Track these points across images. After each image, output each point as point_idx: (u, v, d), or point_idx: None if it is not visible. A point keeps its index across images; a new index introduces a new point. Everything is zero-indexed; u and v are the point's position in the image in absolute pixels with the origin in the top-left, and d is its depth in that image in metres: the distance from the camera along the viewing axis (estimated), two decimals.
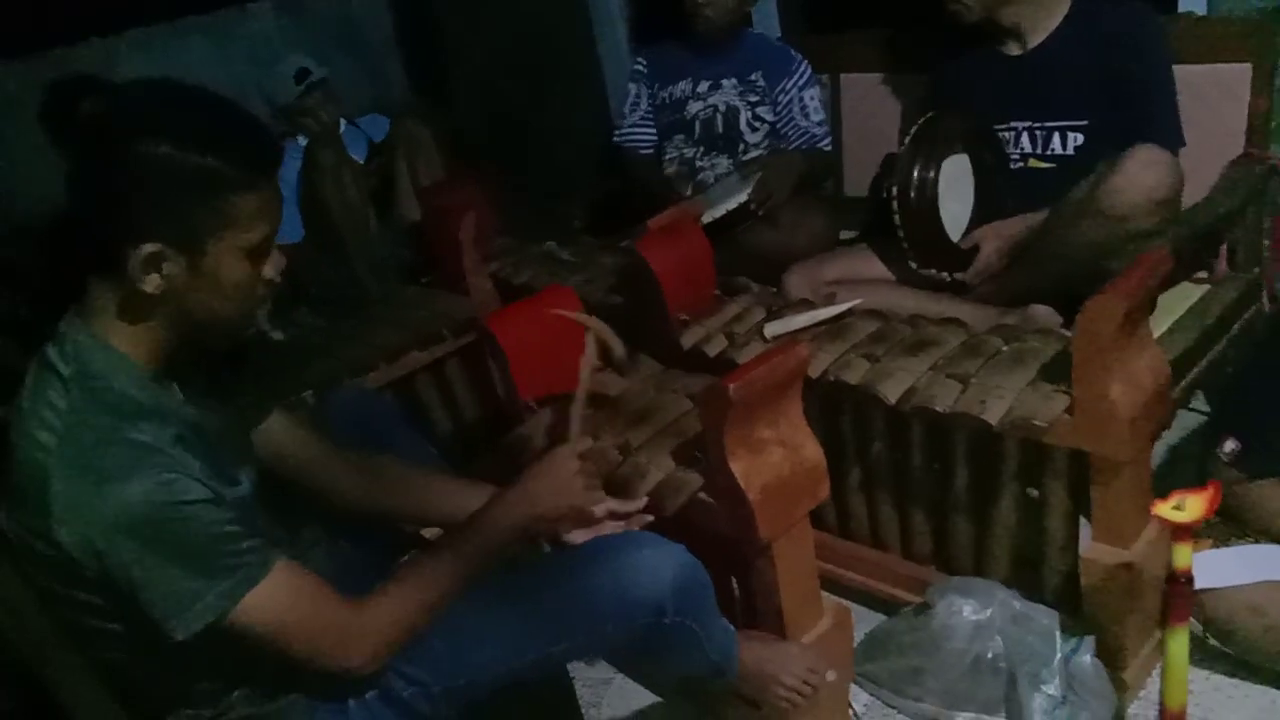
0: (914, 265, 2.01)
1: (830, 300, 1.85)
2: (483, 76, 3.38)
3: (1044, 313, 1.84)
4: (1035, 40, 2.03)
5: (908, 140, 1.95)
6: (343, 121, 2.93)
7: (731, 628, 1.42)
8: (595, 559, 1.29)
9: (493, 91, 3.36)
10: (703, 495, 1.45)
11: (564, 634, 1.26)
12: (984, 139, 2.05)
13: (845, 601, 1.62)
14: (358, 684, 1.19)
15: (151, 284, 1.06)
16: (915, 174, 1.93)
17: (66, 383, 1.07)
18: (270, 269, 1.14)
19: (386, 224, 2.72)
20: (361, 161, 2.83)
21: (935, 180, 1.94)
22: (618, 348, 1.54)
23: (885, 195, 1.99)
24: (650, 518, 1.45)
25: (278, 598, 1.08)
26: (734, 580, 1.54)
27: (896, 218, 1.95)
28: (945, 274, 2.01)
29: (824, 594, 1.56)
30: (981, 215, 2.05)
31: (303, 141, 2.82)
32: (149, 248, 1.04)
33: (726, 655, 1.40)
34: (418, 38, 3.60)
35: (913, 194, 1.94)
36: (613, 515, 1.43)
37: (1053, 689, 1.46)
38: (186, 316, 1.11)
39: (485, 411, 2.23)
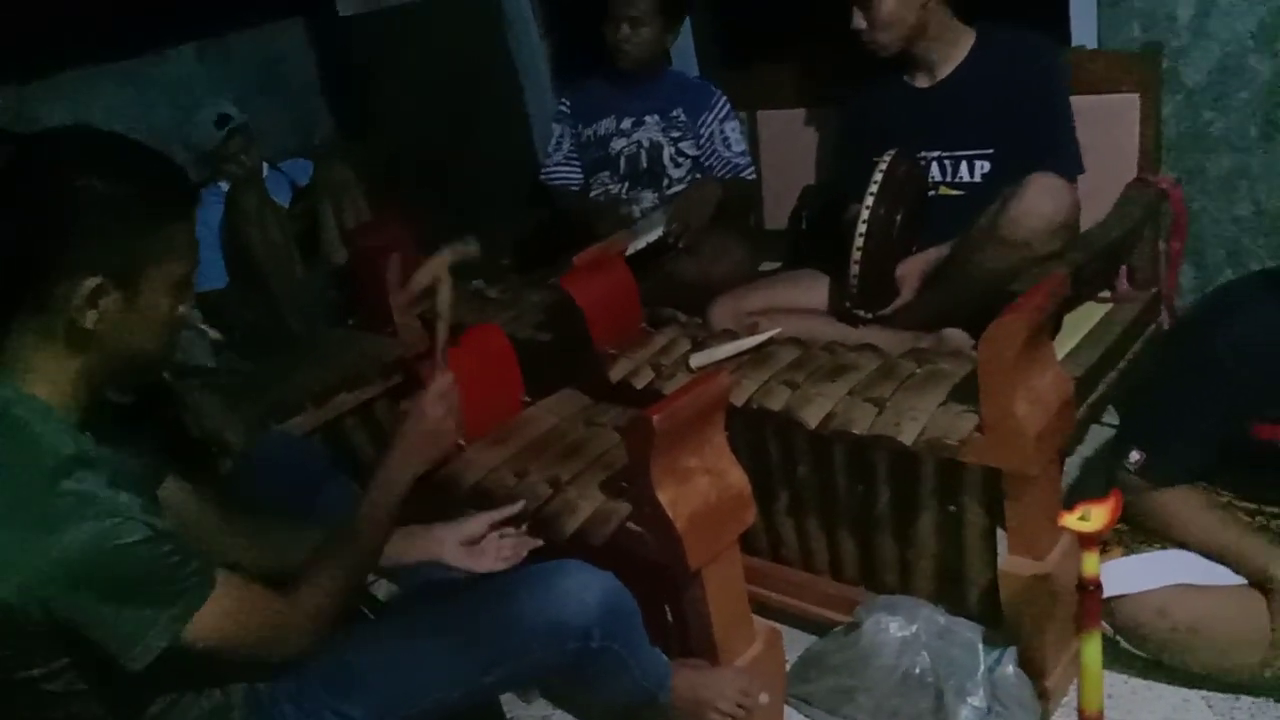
0: (852, 306, 2.00)
1: (753, 330, 1.88)
2: (407, 117, 3.39)
3: (957, 336, 1.90)
4: (944, 72, 2.11)
5: (876, 184, 1.93)
6: (265, 165, 2.91)
7: (663, 655, 1.44)
8: (522, 586, 1.31)
9: (417, 132, 3.37)
10: (631, 525, 1.47)
11: (494, 662, 1.28)
12: (922, 181, 2.08)
13: (777, 624, 1.65)
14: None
15: (90, 320, 1.06)
16: (881, 216, 1.93)
17: None
18: (185, 306, 1.16)
19: (312, 267, 2.70)
20: (285, 205, 2.82)
21: (901, 225, 1.97)
22: (470, 253, 1.60)
23: (843, 235, 1.97)
24: (538, 542, 1.49)
25: (224, 609, 1.11)
26: (666, 608, 1.56)
27: (857, 266, 1.94)
28: (875, 313, 2.03)
29: (755, 618, 1.59)
30: (903, 250, 2.08)
31: (225, 187, 2.81)
32: (91, 282, 1.05)
33: (658, 681, 1.42)
34: (341, 80, 3.60)
35: (879, 238, 1.93)
36: (493, 526, 1.48)
37: (978, 700, 1.50)
38: (111, 356, 1.11)
39: None
